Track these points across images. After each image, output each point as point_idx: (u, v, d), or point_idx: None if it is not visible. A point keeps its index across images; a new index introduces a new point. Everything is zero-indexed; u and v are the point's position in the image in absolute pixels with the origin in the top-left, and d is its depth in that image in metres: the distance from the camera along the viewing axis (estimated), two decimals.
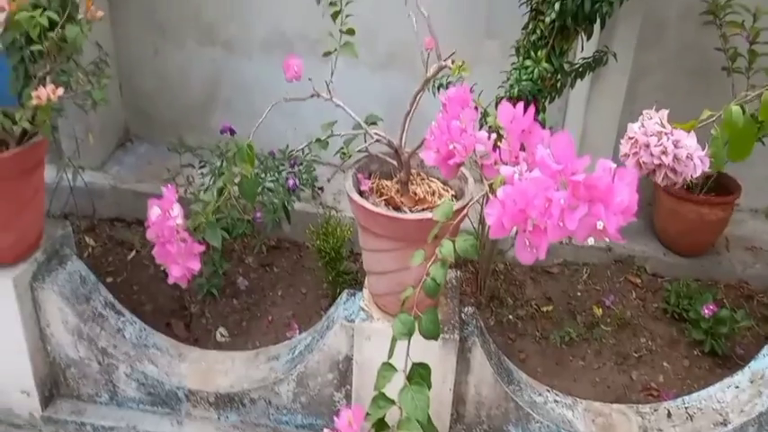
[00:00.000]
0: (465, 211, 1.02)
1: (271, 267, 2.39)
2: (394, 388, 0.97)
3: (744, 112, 0.93)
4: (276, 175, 2.03)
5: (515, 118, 0.96)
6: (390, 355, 0.96)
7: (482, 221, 2.07)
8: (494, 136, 1.02)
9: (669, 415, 1.65)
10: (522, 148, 0.99)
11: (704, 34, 2.29)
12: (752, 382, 1.58)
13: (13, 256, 1.61)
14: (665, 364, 2.05)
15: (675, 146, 0.90)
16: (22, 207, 1.57)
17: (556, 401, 1.69)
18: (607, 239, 0.80)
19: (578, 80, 1.80)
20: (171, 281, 1.29)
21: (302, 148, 1.44)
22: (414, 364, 0.96)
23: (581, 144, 2.39)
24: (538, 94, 1.64)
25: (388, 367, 0.95)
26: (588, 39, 1.70)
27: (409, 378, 0.94)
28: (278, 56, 2.70)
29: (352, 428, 0.84)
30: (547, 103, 1.73)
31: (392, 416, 0.90)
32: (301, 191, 2.04)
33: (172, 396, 1.74)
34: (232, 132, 2.09)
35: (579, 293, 2.31)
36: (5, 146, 1.54)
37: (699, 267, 2.36)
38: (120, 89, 2.83)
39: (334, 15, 1.42)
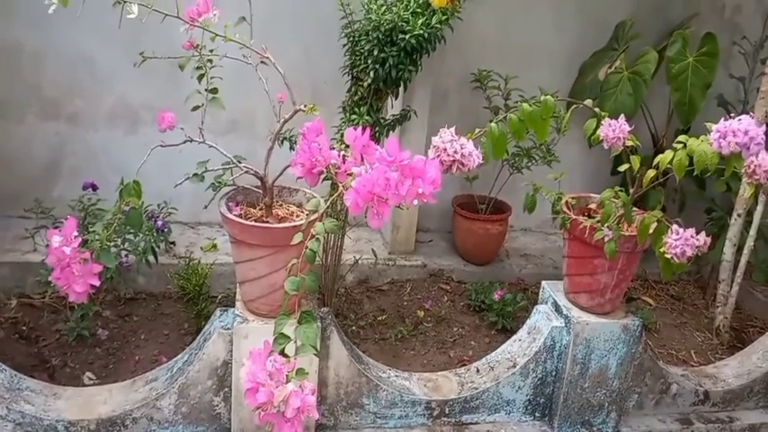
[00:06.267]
0: (328, 203, 1.31)
1: (130, 317, 2.43)
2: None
3: (498, 128, 1.39)
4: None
5: (357, 137, 1.30)
6: (284, 308, 1.20)
7: (325, 251, 2.36)
8: (342, 153, 1.35)
9: (477, 371, 2.06)
10: (362, 159, 1.33)
11: (474, 98, 2.93)
12: (529, 333, 2.05)
13: None
14: (472, 342, 2.49)
15: (462, 147, 1.31)
16: None
17: (396, 376, 2.01)
18: (425, 201, 1.16)
19: (391, 132, 2.23)
20: (72, 298, 1.38)
21: (180, 183, 1.62)
22: (302, 312, 1.22)
23: None
24: None
25: (282, 316, 1.19)
26: (396, 98, 2.16)
27: (299, 321, 1.19)
28: (124, 126, 2.82)
29: (263, 356, 1.07)
30: None
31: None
32: (169, 233, 2.17)
33: (51, 431, 1.72)
34: (94, 188, 2.17)
35: (405, 303, 2.70)
36: None
37: (489, 272, 2.91)
38: None
39: (200, 77, 1.68)
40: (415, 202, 1.17)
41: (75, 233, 1.36)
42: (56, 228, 1.35)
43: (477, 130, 1.43)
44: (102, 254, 1.44)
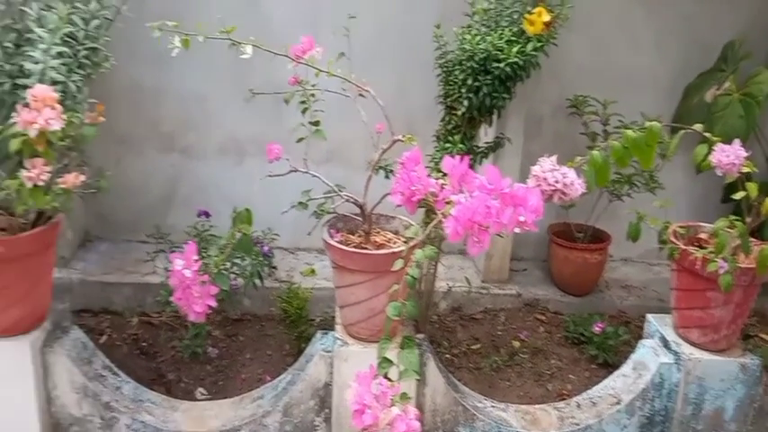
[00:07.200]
0: (427, 230, 1.34)
1: (236, 337, 2.56)
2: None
3: (601, 155, 1.37)
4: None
5: (455, 166, 1.32)
6: (386, 333, 1.23)
7: (419, 278, 2.39)
8: (440, 182, 1.38)
9: (579, 405, 1.98)
10: (460, 188, 1.35)
11: (569, 124, 2.88)
12: (634, 369, 1.95)
13: (28, 325, 1.73)
14: (571, 376, 2.40)
15: (563, 176, 1.30)
16: (38, 281, 1.72)
17: (493, 406, 1.98)
18: (527, 229, 1.16)
19: (484, 159, 2.24)
20: (192, 318, 1.49)
21: (287, 210, 1.72)
22: (404, 337, 1.24)
23: None
24: None
25: (385, 341, 1.22)
26: (490, 126, 2.17)
27: (402, 347, 1.22)
28: (231, 158, 3.02)
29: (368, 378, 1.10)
30: None
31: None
32: (272, 258, 2.29)
33: None
34: (207, 215, 2.33)
35: (500, 332, 2.66)
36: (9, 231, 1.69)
37: (588, 303, 2.80)
38: (82, 196, 2.99)
39: (304, 111, 1.78)
40: (517, 230, 1.17)
41: (195, 257, 1.48)
42: (175, 252, 1.49)
43: (579, 158, 1.41)
44: (217, 277, 1.55)
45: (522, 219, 1.15)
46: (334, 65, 1.75)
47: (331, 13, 2.53)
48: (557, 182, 1.31)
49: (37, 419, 1.74)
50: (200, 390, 2.19)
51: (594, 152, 1.38)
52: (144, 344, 2.39)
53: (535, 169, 1.35)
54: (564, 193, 1.31)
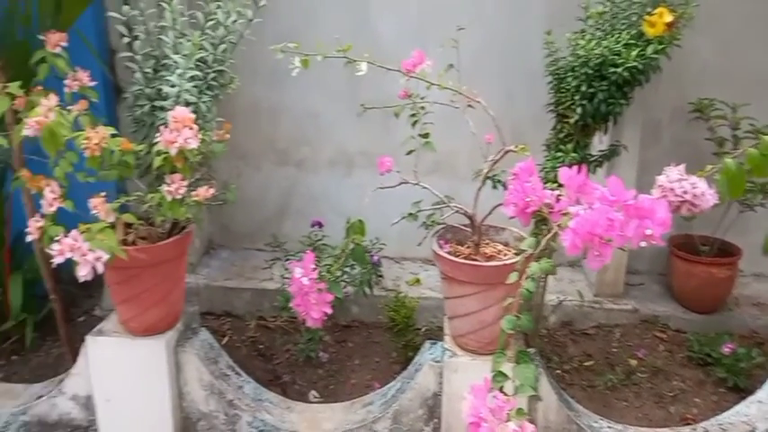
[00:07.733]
0: (543, 243, 1.30)
1: (345, 343, 2.63)
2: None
3: (735, 164, 1.26)
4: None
5: (573, 176, 1.27)
6: (500, 346, 1.21)
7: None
8: (556, 193, 1.34)
9: None
10: (577, 199, 1.30)
11: (691, 129, 2.69)
12: None
13: (164, 325, 1.88)
14: (696, 399, 2.22)
15: (693, 187, 1.21)
16: (174, 285, 1.86)
17: (609, 427, 1.87)
18: (654, 243, 1.09)
19: (598, 168, 2.14)
20: (309, 323, 1.55)
21: (397, 222, 1.74)
22: (519, 351, 1.21)
23: None
24: None
25: (500, 354, 1.19)
26: (605, 133, 2.08)
27: (517, 361, 1.19)
28: (341, 170, 3.11)
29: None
30: None
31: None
32: (380, 266, 2.33)
33: None
34: (320, 225, 2.42)
35: (614, 350, 2.52)
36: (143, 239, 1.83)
37: (714, 322, 2.59)
38: (209, 208, 3.21)
39: (414, 123, 1.80)
40: (643, 243, 1.10)
41: (313, 266, 1.54)
42: (292, 260, 1.56)
43: (710, 166, 1.31)
44: (332, 285, 1.60)
45: (649, 232, 1.08)
46: (444, 77, 1.76)
47: (437, 26, 2.54)
48: (685, 192, 1.22)
49: (170, 413, 1.88)
50: (313, 392, 2.27)
51: (728, 160, 1.27)
52: (261, 346, 2.52)
53: (661, 179, 1.27)
54: (693, 205, 1.22)
